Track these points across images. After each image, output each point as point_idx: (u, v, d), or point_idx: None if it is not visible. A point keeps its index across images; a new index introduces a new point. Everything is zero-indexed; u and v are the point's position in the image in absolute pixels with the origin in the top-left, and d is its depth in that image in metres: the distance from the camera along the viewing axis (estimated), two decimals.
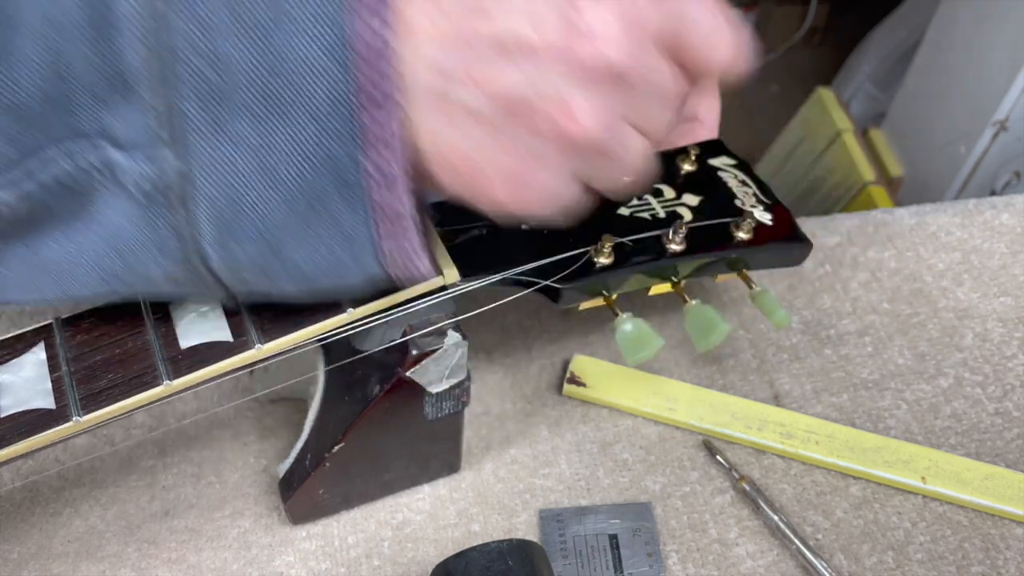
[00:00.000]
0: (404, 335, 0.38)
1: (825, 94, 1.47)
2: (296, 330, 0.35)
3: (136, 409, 0.34)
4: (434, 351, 0.38)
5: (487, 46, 0.27)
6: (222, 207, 0.28)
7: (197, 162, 0.27)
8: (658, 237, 0.42)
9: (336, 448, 0.41)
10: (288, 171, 0.28)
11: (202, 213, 0.28)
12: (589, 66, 0.27)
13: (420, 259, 0.32)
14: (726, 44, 0.32)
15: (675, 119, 0.32)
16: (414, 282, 0.34)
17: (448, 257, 0.38)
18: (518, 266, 0.40)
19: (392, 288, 0.35)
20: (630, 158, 0.31)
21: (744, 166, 0.48)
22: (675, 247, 0.42)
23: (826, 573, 0.44)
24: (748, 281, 0.45)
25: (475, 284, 0.39)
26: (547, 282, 0.40)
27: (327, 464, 0.42)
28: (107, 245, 0.30)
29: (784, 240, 0.45)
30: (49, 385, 0.33)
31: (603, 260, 0.41)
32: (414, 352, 0.38)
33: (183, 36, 0.26)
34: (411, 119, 0.28)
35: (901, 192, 1.33)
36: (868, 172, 1.33)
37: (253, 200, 0.28)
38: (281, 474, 0.45)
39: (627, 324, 0.43)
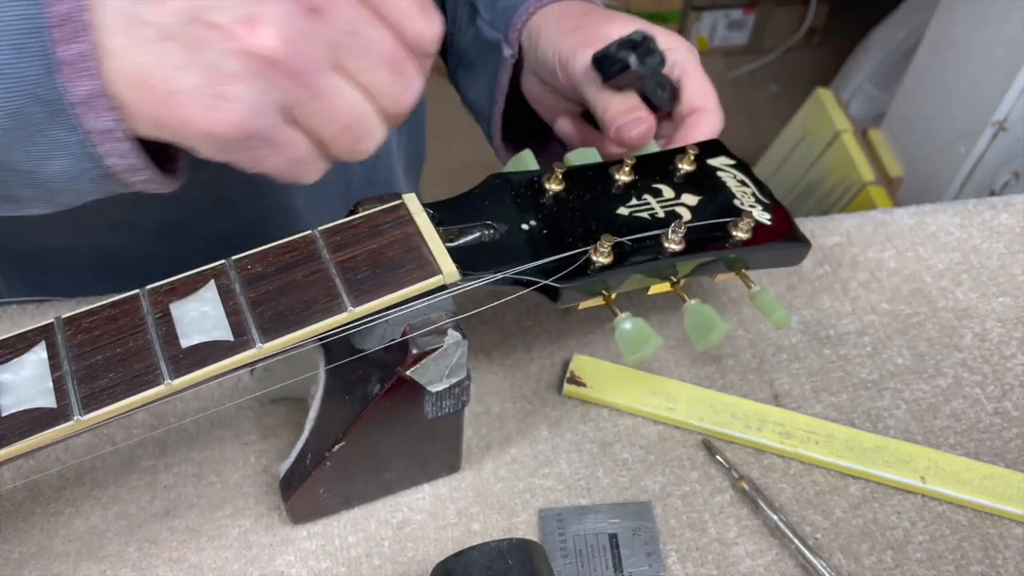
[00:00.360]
0: (404, 334, 0.38)
1: (824, 94, 1.47)
2: (296, 329, 0.35)
3: (137, 408, 0.34)
4: (434, 350, 0.38)
5: None
6: None
7: None
8: (657, 237, 0.43)
9: (336, 447, 0.41)
10: None
11: None
12: None
13: (142, 171, 0.32)
14: (425, 23, 0.33)
15: (398, 85, 0.33)
16: (150, 187, 0.35)
17: (448, 256, 0.38)
18: (518, 265, 0.40)
19: (128, 190, 0.35)
20: (339, 104, 0.32)
21: (743, 166, 0.48)
22: (674, 247, 0.42)
23: (825, 572, 0.44)
24: (747, 281, 0.46)
25: (475, 283, 0.39)
26: (547, 281, 0.40)
27: (327, 463, 0.42)
28: None
29: (783, 240, 0.45)
30: (50, 384, 0.34)
31: (602, 260, 0.41)
32: (414, 351, 0.38)
33: None
34: (103, 42, 0.29)
35: (900, 192, 1.33)
36: (867, 172, 1.33)
37: None
38: (282, 474, 0.45)
39: (626, 323, 0.43)
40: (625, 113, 0.47)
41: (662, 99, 0.49)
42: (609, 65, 0.47)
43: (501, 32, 0.53)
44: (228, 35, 0.29)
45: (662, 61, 0.47)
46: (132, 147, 0.31)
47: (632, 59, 0.46)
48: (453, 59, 0.61)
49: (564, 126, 0.53)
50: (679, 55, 0.50)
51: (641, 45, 0.46)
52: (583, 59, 0.48)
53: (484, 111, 0.57)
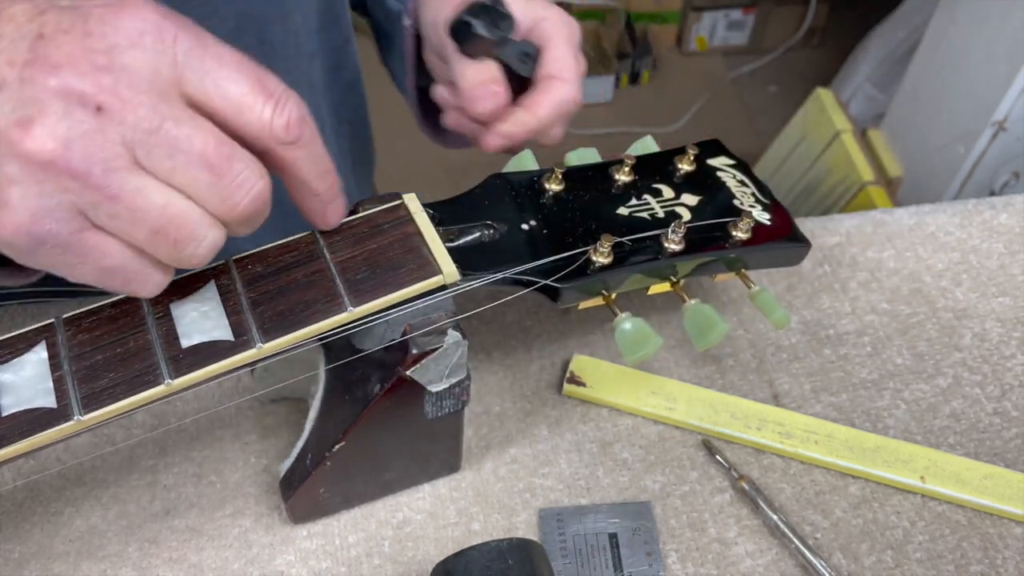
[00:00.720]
0: (404, 334, 0.38)
1: (824, 94, 1.47)
2: (297, 329, 0.35)
3: (137, 408, 0.34)
4: (434, 350, 0.38)
5: None
6: None
7: None
8: (657, 237, 0.43)
9: (337, 447, 0.41)
10: None
11: None
12: (56, 92, 0.28)
13: None
14: (266, 108, 0.31)
15: (221, 187, 0.30)
16: None
17: (448, 256, 0.38)
18: (518, 265, 0.40)
19: None
20: (142, 204, 0.29)
21: (743, 166, 0.48)
22: (674, 247, 0.42)
23: (825, 572, 0.44)
24: (747, 281, 0.46)
25: (475, 283, 0.39)
26: (547, 281, 0.40)
27: (328, 463, 0.42)
28: None
29: (783, 240, 0.45)
30: (50, 384, 0.34)
31: (602, 260, 0.41)
32: (414, 351, 0.38)
33: None
34: None
35: (900, 192, 1.33)
36: (867, 172, 1.33)
37: None
38: (282, 473, 0.45)
39: (626, 323, 0.43)
40: (476, 85, 0.46)
41: (526, 69, 0.48)
42: (459, 31, 0.45)
43: (401, 1, 0.52)
44: (3, 140, 0.28)
45: (510, 25, 0.46)
46: None
47: (479, 25, 0.45)
48: (377, 39, 0.61)
49: (440, 92, 0.51)
50: (550, 25, 0.48)
51: (491, 10, 0.45)
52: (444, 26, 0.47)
53: (404, 89, 0.56)
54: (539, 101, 0.47)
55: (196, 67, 0.30)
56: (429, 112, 0.55)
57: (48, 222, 0.29)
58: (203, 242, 0.31)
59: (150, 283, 0.32)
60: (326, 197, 0.35)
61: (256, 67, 0.31)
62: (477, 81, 0.47)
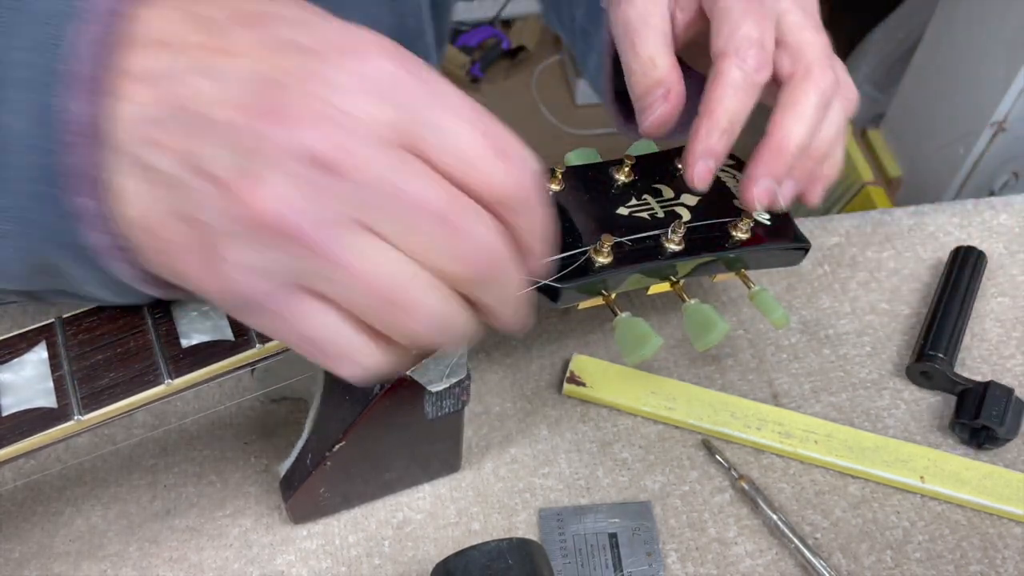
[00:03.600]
0: None
1: None
2: None
3: (137, 408, 0.34)
4: (434, 350, 0.38)
5: (187, 118, 0.26)
6: None
7: None
8: (657, 237, 0.43)
9: (337, 447, 0.41)
10: (12, 229, 0.28)
11: None
12: (289, 150, 0.25)
13: (138, 279, 0.30)
14: (495, 170, 0.28)
15: (455, 245, 0.27)
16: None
17: None
18: None
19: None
20: (365, 269, 0.27)
21: (743, 166, 0.48)
22: (674, 247, 0.42)
23: (825, 572, 0.44)
24: (747, 281, 0.46)
25: None
26: (546, 281, 0.40)
27: (328, 463, 0.42)
28: None
29: (782, 240, 0.45)
30: (51, 384, 0.34)
31: (602, 259, 0.41)
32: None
33: None
34: (115, 185, 0.27)
35: (899, 192, 1.33)
36: (867, 172, 1.33)
37: None
38: (282, 473, 0.45)
39: (626, 323, 0.43)
40: (642, 92, 0.42)
41: None
42: None
43: None
44: (223, 191, 0.26)
45: None
46: (150, 280, 0.29)
47: None
48: (569, 31, 0.56)
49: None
50: None
51: None
52: None
53: (598, 84, 0.51)
54: (709, 96, 0.40)
55: (427, 118, 0.27)
56: (631, 116, 0.48)
57: (260, 283, 0.27)
58: (428, 309, 0.28)
59: (364, 358, 0.29)
60: (533, 268, 0.31)
61: (489, 119, 0.28)
62: (640, 90, 0.42)
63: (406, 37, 0.56)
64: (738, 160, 0.49)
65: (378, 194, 0.26)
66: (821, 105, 0.41)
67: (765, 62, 0.40)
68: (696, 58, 0.45)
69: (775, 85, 0.41)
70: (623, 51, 0.43)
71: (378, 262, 0.27)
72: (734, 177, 0.47)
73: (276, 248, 0.26)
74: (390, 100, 0.26)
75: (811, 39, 0.42)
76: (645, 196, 0.44)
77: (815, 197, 0.44)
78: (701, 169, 0.41)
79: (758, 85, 0.40)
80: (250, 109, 0.25)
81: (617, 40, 0.43)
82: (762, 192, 0.41)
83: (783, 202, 0.42)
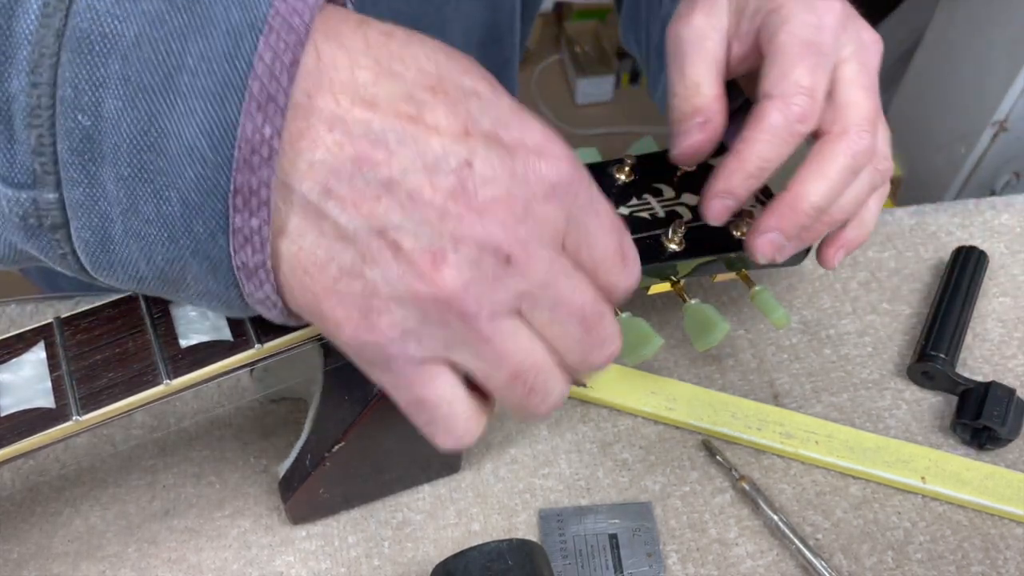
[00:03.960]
0: None
1: None
2: (296, 329, 0.35)
3: (136, 408, 0.34)
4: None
5: (379, 182, 0.26)
6: (92, 245, 0.28)
7: (69, 201, 0.27)
8: (657, 236, 0.43)
9: (336, 448, 0.41)
10: (152, 233, 0.27)
11: (76, 244, 0.28)
12: (473, 235, 0.27)
13: (276, 305, 0.30)
14: (622, 276, 0.31)
15: (588, 342, 0.30)
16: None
17: None
18: None
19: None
20: (509, 349, 0.29)
21: None
22: (674, 247, 0.42)
23: (826, 573, 0.44)
24: (747, 281, 0.45)
25: None
26: None
27: (327, 464, 0.42)
28: None
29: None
30: (49, 384, 0.33)
31: None
32: None
33: (69, 78, 0.25)
34: (279, 220, 0.27)
35: (901, 192, 1.33)
36: None
37: (120, 250, 0.28)
38: (281, 474, 0.45)
39: (626, 323, 0.43)
40: (680, 118, 0.41)
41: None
42: None
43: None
44: (408, 262, 0.26)
45: None
46: (283, 311, 0.29)
47: None
48: (644, 50, 0.55)
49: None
50: (781, 16, 0.40)
51: None
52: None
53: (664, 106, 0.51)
54: (744, 136, 0.39)
55: (582, 222, 0.29)
56: None
57: (411, 347, 0.28)
58: (552, 395, 0.31)
59: (464, 428, 0.31)
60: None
61: (621, 226, 0.31)
62: (677, 114, 0.41)
63: (497, 33, 0.56)
64: None
65: (541, 290, 0.28)
66: (850, 169, 0.40)
67: (811, 113, 0.38)
68: (752, 87, 0.42)
69: (813, 137, 0.40)
70: (671, 69, 0.42)
71: (524, 347, 0.29)
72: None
73: (438, 321, 0.28)
74: (564, 205, 0.28)
75: (859, 99, 0.40)
76: (646, 196, 0.44)
77: (834, 261, 0.44)
78: (717, 207, 0.40)
79: (799, 135, 0.39)
80: (446, 191, 0.26)
81: (668, 57, 0.42)
82: (766, 244, 0.40)
83: (781, 258, 0.41)
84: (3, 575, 0.44)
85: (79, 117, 0.26)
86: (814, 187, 0.39)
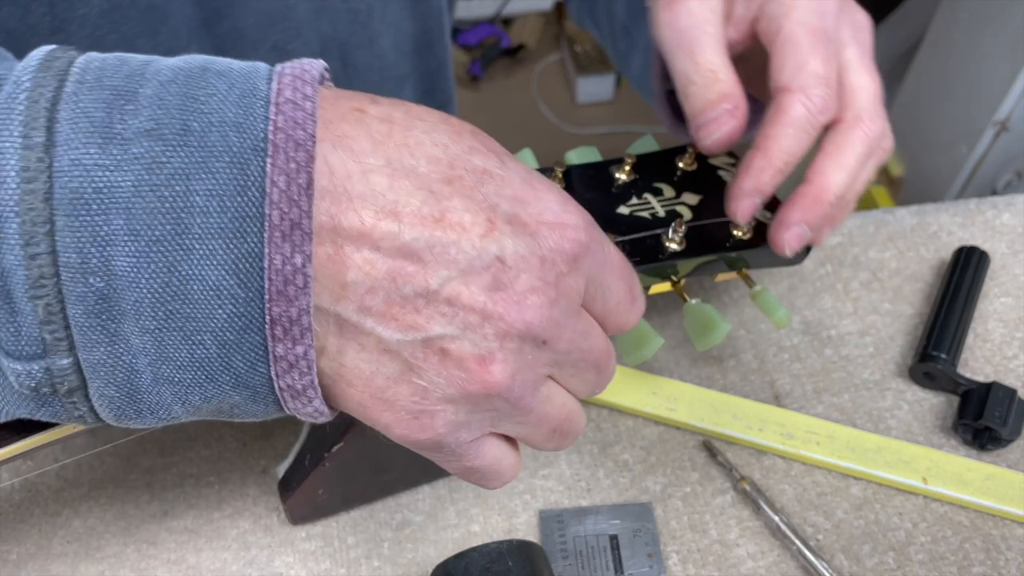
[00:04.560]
0: None
1: None
2: None
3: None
4: None
5: (417, 294, 0.26)
6: (117, 401, 0.27)
7: (86, 362, 0.26)
8: (657, 236, 0.42)
9: (335, 448, 0.41)
10: (187, 377, 0.27)
11: (96, 401, 0.27)
12: (515, 329, 0.27)
13: (324, 414, 0.30)
14: (631, 315, 0.33)
15: (599, 382, 0.32)
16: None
17: None
18: None
19: None
20: (548, 412, 0.31)
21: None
22: (674, 246, 0.42)
23: (827, 574, 0.44)
24: (748, 280, 0.45)
25: None
26: None
27: (326, 464, 0.42)
28: None
29: None
30: None
31: None
32: None
33: (71, 243, 0.24)
34: (319, 341, 0.27)
35: (902, 192, 1.33)
36: None
37: (150, 398, 0.27)
38: (280, 474, 0.45)
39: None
40: (700, 110, 0.40)
41: None
42: None
43: None
44: (456, 366, 0.27)
45: None
46: (324, 413, 0.29)
47: None
48: (607, 29, 0.55)
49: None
50: (781, 7, 0.40)
51: None
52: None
53: (644, 83, 0.50)
54: (767, 132, 0.39)
55: (601, 281, 0.30)
56: (681, 115, 0.47)
57: (463, 433, 0.29)
58: (580, 430, 0.33)
59: (511, 475, 0.33)
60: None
61: (631, 269, 0.32)
62: (701, 103, 0.40)
63: (429, 41, 0.55)
64: (740, 159, 0.48)
65: (569, 355, 0.30)
66: (865, 155, 0.40)
67: (830, 103, 0.39)
68: (743, 71, 0.42)
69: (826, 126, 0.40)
70: (677, 58, 0.41)
71: (557, 404, 0.31)
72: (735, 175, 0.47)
73: (487, 405, 0.29)
74: (584, 271, 0.29)
75: (866, 83, 0.40)
76: (646, 195, 0.44)
77: (823, 238, 0.44)
78: (747, 206, 0.40)
79: (820, 126, 0.39)
80: (484, 290, 0.27)
81: (667, 45, 0.42)
82: (794, 237, 0.40)
83: (801, 245, 0.41)
84: (2, 575, 0.44)
85: (90, 280, 0.24)
86: (836, 177, 0.39)
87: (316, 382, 0.27)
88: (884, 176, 1.33)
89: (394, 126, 0.27)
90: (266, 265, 0.25)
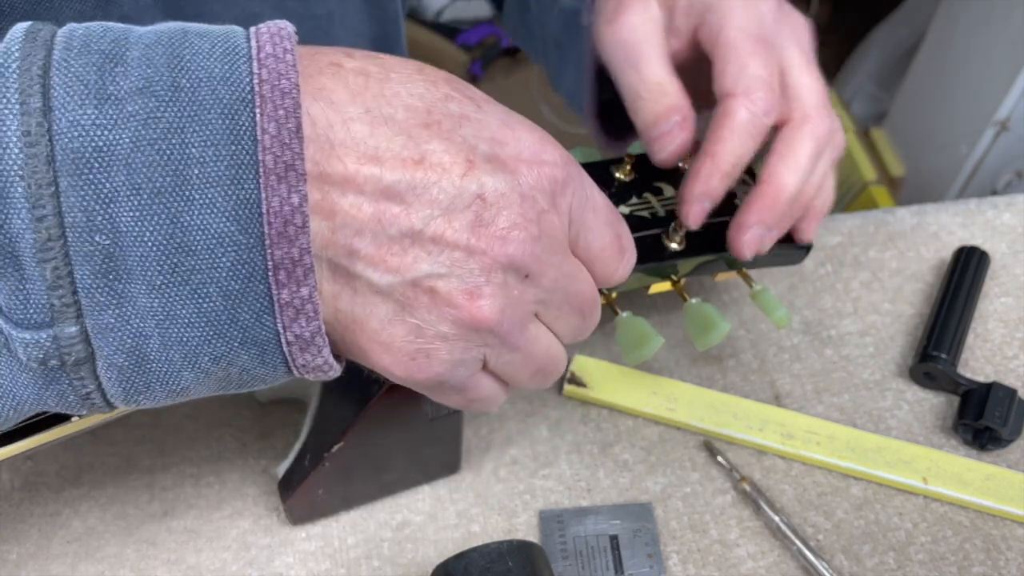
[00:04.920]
0: None
1: None
2: None
3: (135, 408, 0.34)
4: None
5: (402, 234, 0.27)
6: (127, 370, 0.27)
7: (94, 328, 0.26)
8: (657, 235, 0.42)
9: (335, 448, 0.41)
10: (195, 336, 0.27)
11: (104, 374, 0.27)
12: (499, 263, 0.28)
13: (333, 367, 0.30)
14: (619, 265, 0.33)
15: (583, 327, 0.33)
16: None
17: None
18: None
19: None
20: (535, 350, 0.32)
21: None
22: (674, 245, 0.42)
23: (827, 574, 0.44)
24: (748, 280, 0.45)
25: None
26: None
27: (326, 464, 0.42)
28: None
29: (784, 239, 0.45)
30: None
31: None
32: None
33: (76, 202, 0.25)
34: (318, 289, 0.27)
35: (902, 192, 1.33)
36: (869, 172, 1.33)
37: (159, 366, 0.27)
38: (280, 474, 0.45)
39: (626, 323, 0.43)
40: (652, 122, 0.41)
41: None
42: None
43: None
44: (447, 302, 0.28)
45: None
46: (333, 366, 0.30)
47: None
48: (540, 43, 0.56)
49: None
50: (722, 12, 0.41)
51: None
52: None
53: (577, 98, 0.51)
54: (713, 137, 0.40)
55: (581, 221, 0.31)
56: (612, 130, 0.50)
57: (459, 370, 0.30)
58: (560, 371, 0.34)
59: (499, 402, 0.34)
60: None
61: (619, 218, 0.33)
62: (652, 117, 0.41)
63: (387, 44, 0.56)
64: None
65: (554, 293, 0.31)
66: (816, 154, 0.41)
67: (774, 104, 0.40)
68: (687, 81, 0.43)
69: (774, 128, 0.41)
70: (624, 72, 0.42)
71: (543, 344, 0.32)
72: (743, 181, 0.47)
73: (480, 341, 0.29)
74: (564, 209, 0.30)
75: (810, 83, 0.41)
76: (646, 194, 0.44)
77: (810, 234, 0.44)
78: (697, 210, 0.41)
79: (765, 128, 0.40)
80: (467, 228, 0.28)
81: (612, 60, 0.42)
82: (752, 240, 0.41)
83: (763, 251, 0.42)
84: (2, 575, 0.44)
85: (96, 238, 0.25)
86: (789, 177, 0.40)
87: (323, 329, 0.28)
88: (884, 176, 1.33)
89: (370, 78, 0.28)
90: (264, 209, 0.25)
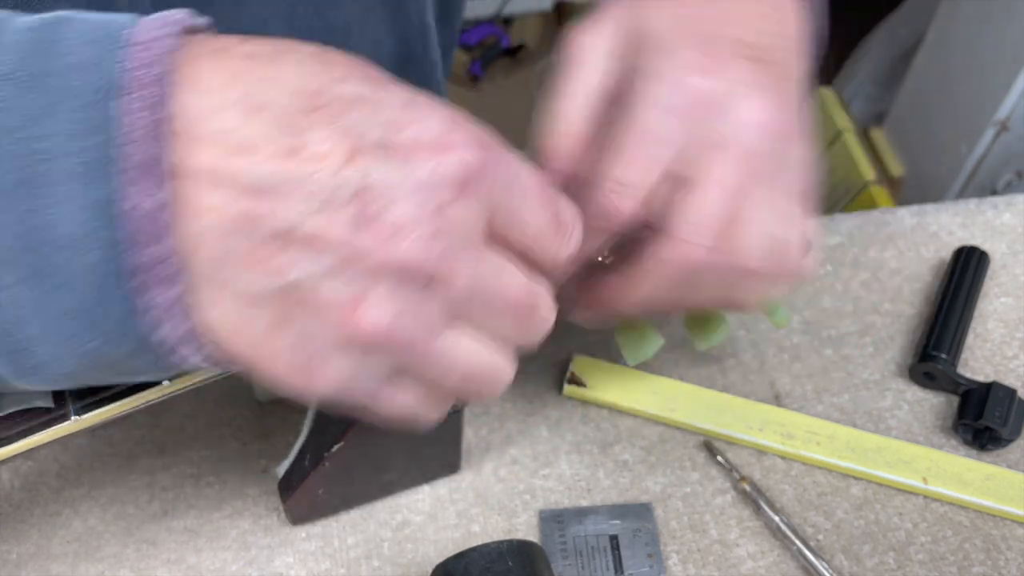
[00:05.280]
0: None
1: (826, 94, 1.47)
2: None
3: (135, 408, 0.34)
4: None
5: (275, 234, 0.24)
6: (13, 353, 0.26)
7: None
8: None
9: (335, 448, 0.41)
10: (70, 326, 0.25)
11: None
12: (386, 266, 0.25)
13: (216, 367, 0.29)
14: (560, 247, 0.30)
15: (524, 329, 0.30)
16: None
17: None
18: None
19: None
20: (454, 358, 0.28)
21: None
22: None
23: (827, 574, 0.44)
24: None
25: None
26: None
27: (326, 464, 0.42)
28: None
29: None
30: None
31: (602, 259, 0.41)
32: None
33: None
34: (189, 292, 0.25)
35: (902, 192, 1.33)
36: (869, 172, 1.33)
37: (41, 351, 0.26)
38: (280, 474, 0.45)
39: (626, 323, 0.43)
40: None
41: None
42: None
43: None
44: (327, 312, 0.25)
45: None
46: (221, 364, 0.28)
47: None
48: None
49: None
50: (648, 78, 0.34)
51: None
52: None
53: None
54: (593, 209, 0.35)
55: (506, 203, 0.28)
56: None
57: (358, 384, 0.28)
58: (505, 380, 0.31)
59: (428, 417, 0.31)
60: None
61: (552, 193, 0.29)
62: (549, 148, 0.36)
63: (411, 57, 0.54)
64: None
65: (469, 296, 0.27)
66: (675, 280, 0.36)
67: (625, 209, 0.34)
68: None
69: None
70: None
71: (466, 350, 0.28)
72: None
73: (376, 355, 0.27)
74: (480, 195, 0.26)
75: (709, 199, 0.34)
76: None
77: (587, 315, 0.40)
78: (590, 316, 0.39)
79: (609, 229, 0.35)
80: (349, 224, 0.25)
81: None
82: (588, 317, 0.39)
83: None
84: (2, 575, 0.44)
85: None
86: (631, 296, 0.37)
87: (196, 331, 0.26)
88: (884, 176, 1.33)
89: (255, 60, 0.25)
90: (128, 206, 0.24)
